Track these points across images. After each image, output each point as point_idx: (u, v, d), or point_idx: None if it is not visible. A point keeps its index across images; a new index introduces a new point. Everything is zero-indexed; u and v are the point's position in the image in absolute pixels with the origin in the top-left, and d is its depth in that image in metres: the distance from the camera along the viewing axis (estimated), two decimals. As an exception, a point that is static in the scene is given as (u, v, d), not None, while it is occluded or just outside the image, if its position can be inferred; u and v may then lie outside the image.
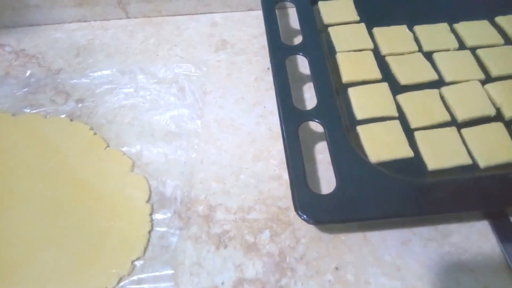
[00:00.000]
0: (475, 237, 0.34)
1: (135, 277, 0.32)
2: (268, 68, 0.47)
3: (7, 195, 0.36)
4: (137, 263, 0.33)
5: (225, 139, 0.41)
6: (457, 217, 0.35)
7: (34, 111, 0.43)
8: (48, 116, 0.42)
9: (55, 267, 0.32)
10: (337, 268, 0.33)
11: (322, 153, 0.39)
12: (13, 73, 0.47)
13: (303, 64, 0.46)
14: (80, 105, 0.43)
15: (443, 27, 0.45)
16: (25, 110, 0.43)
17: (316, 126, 0.40)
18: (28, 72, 0.47)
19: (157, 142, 0.40)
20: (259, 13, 0.48)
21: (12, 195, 0.36)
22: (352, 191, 0.32)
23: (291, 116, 0.36)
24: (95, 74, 0.46)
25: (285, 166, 0.38)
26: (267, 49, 0.44)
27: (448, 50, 0.43)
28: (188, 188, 0.37)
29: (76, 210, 0.35)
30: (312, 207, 0.31)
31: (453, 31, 0.45)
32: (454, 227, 0.35)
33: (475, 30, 0.44)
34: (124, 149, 0.40)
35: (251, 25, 0.52)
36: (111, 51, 0.49)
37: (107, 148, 0.40)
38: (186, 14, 0.53)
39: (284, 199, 0.37)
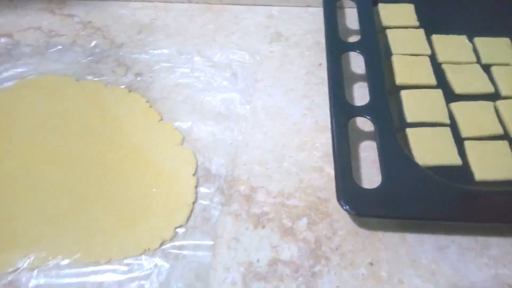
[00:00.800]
0: (516, 253, 0.33)
1: (176, 243, 0.33)
2: (320, 64, 0.47)
3: (65, 150, 0.39)
4: (179, 230, 0.34)
5: (271, 126, 0.42)
6: (498, 231, 0.34)
7: (96, 79, 0.45)
8: (108, 85, 0.45)
9: (103, 222, 0.34)
10: (371, 264, 0.33)
11: (366, 151, 0.40)
12: (79, 42, 0.50)
13: (355, 64, 0.47)
14: (138, 78, 0.46)
15: (504, 41, 0.44)
16: (88, 77, 0.45)
17: (363, 125, 0.41)
18: (93, 43, 0.50)
19: (207, 121, 0.42)
20: (316, 10, 0.49)
21: (70, 151, 0.39)
22: (396, 189, 0.32)
23: (342, 109, 0.37)
24: (155, 51, 0.49)
25: (327, 159, 0.39)
26: (320, 45, 0.45)
27: (507, 65, 0.42)
28: (232, 167, 0.39)
29: (126, 173, 0.37)
30: (355, 199, 0.32)
31: (514, 47, 0.44)
32: (494, 240, 0.34)
33: (537, 48, 0.43)
34: (176, 124, 0.42)
35: (307, 21, 0.53)
36: (171, 32, 0.51)
37: (161, 121, 0.42)
38: (245, 4, 0.55)
39: (324, 191, 0.37)
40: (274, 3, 0.55)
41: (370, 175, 0.38)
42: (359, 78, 0.45)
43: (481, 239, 0.34)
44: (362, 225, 0.35)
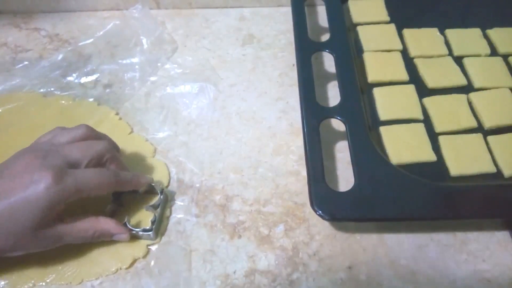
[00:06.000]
0: (494, 247, 0.33)
1: (149, 260, 0.33)
2: (293, 65, 0.47)
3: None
4: (152, 247, 0.33)
5: (246, 131, 0.42)
6: (477, 225, 0.34)
7: (65, 93, 0.44)
8: (76, 99, 0.44)
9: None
10: (350, 267, 0.32)
11: (342, 151, 0.39)
12: (46, 56, 0.48)
13: (328, 63, 0.46)
14: (107, 90, 0.45)
15: (476, 32, 0.44)
16: (56, 92, 0.44)
17: (338, 125, 0.40)
18: (61, 56, 0.48)
19: (180, 130, 0.41)
20: (288, 10, 0.48)
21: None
22: (371, 190, 0.32)
23: (313, 111, 0.36)
24: (124, 61, 0.47)
25: (303, 162, 0.38)
26: (293, 45, 0.44)
27: (479, 55, 0.42)
28: (206, 177, 0.38)
29: (97, 191, 0.36)
30: (328, 203, 0.31)
31: (486, 37, 0.44)
32: (473, 235, 0.34)
33: (508, 37, 0.43)
34: (147, 135, 0.41)
35: (279, 21, 0.52)
36: (141, 40, 0.50)
37: (131, 134, 0.41)
38: (215, 7, 0.54)
39: (300, 195, 0.37)
40: (245, 5, 0.54)
41: (347, 176, 0.37)
42: (332, 77, 0.44)
43: (460, 235, 0.34)
44: (339, 228, 0.34)
